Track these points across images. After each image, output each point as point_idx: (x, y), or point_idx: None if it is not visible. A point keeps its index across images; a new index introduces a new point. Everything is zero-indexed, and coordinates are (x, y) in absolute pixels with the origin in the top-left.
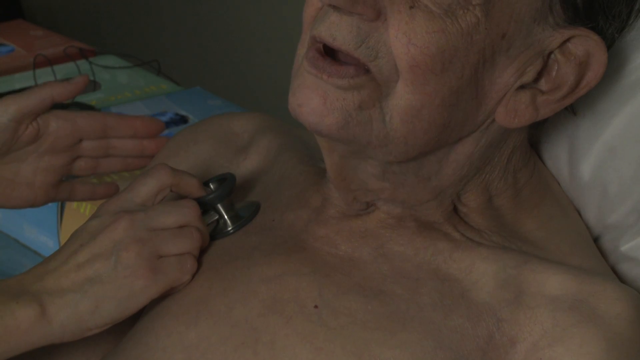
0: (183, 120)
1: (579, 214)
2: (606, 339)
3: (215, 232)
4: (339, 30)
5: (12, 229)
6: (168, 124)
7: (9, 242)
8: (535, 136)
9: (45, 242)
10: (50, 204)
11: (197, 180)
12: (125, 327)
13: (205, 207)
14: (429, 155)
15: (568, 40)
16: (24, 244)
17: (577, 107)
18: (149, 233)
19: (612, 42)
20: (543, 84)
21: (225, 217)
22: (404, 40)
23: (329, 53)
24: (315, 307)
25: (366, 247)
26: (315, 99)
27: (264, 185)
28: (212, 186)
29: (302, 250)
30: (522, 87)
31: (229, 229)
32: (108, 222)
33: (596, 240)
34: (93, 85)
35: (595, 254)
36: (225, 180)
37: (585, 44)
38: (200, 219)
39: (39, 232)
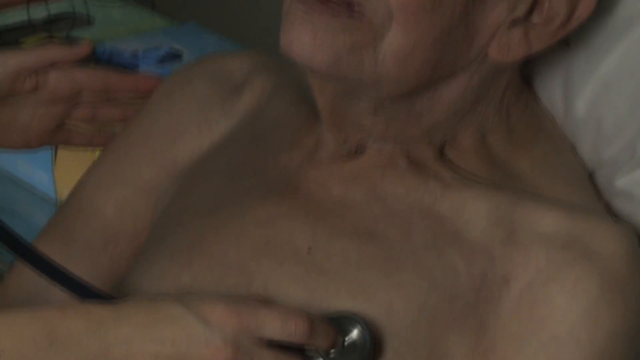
0: (178, 55)
1: (574, 150)
2: (601, 277)
3: None
4: None
5: (5, 164)
6: (163, 59)
7: (2, 177)
8: (528, 72)
9: (40, 176)
10: None
11: (334, 335)
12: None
13: None
14: (421, 92)
15: None
16: (20, 179)
17: (571, 42)
18: None
19: None
20: (535, 18)
21: None
22: None
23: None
24: (309, 249)
25: (359, 188)
26: (305, 35)
27: (258, 125)
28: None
29: (295, 193)
30: (514, 22)
31: None
32: (214, 344)
33: (591, 175)
34: (87, 21)
35: (589, 191)
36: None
37: None
38: None
39: (33, 167)
